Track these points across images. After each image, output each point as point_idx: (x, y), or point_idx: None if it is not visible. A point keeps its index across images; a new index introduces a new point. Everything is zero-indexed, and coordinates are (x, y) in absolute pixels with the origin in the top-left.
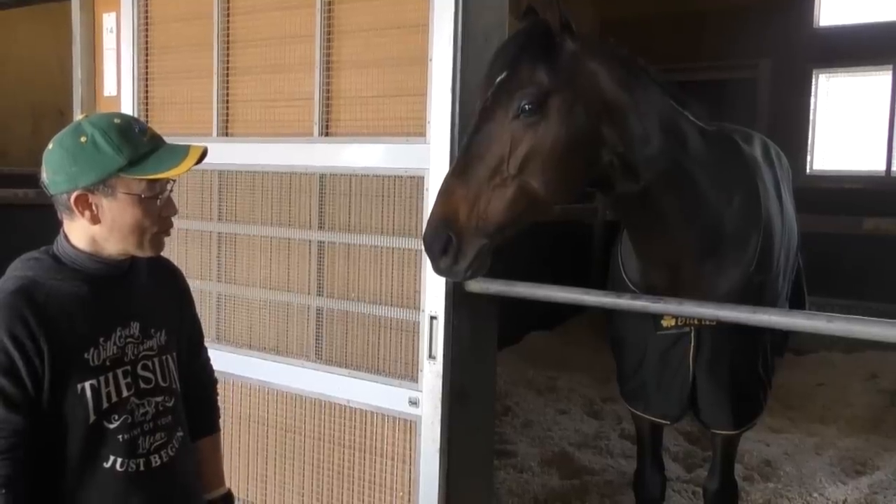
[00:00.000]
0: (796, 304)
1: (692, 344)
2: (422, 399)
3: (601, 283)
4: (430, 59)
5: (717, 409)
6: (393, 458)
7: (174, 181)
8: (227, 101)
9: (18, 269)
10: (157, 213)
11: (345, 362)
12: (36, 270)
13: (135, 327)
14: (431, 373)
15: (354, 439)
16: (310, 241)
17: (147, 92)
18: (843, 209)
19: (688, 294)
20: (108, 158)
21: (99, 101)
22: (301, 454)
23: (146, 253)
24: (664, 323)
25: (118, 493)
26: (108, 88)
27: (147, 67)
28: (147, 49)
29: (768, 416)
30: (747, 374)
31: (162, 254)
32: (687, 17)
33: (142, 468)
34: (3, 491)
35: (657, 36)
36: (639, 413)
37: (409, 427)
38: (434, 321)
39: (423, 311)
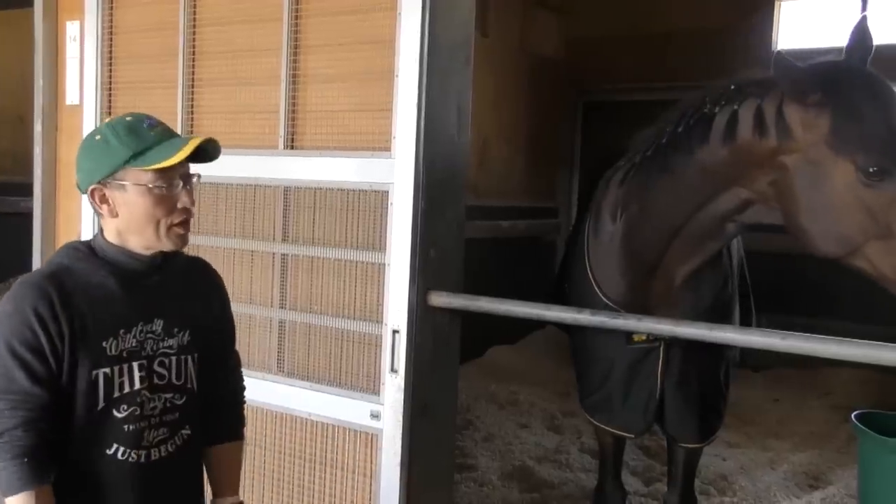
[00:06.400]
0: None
1: (661, 358)
2: (383, 412)
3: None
4: (397, 75)
5: (685, 422)
6: (354, 472)
7: (198, 175)
8: (192, 113)
9: (57, 255)
10: (170, 204)
11: (307, 375)
12: (71, 259)
13: (158, 324)
14: (393, 386)
15: (315, 453)
16: (273, 254)
17: (110, 101)
18: None
19: (676, 309)
20: (115, 152)
21: (61, 110)
22: (261, 467)
23: (166, 246)
24: (635, 337)
25: (116, 481)
26: (71, 97)
27: (111, 76)
28: (111, 58)
29: (725, 431)
30: (713, 388)
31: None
32: (651, 38)
33: (142, 460)
34: (26, 460)
35: (622, 55)
36: (602, 426)
37: (370, 440)
38: (396, 335)
39: (385, 324)
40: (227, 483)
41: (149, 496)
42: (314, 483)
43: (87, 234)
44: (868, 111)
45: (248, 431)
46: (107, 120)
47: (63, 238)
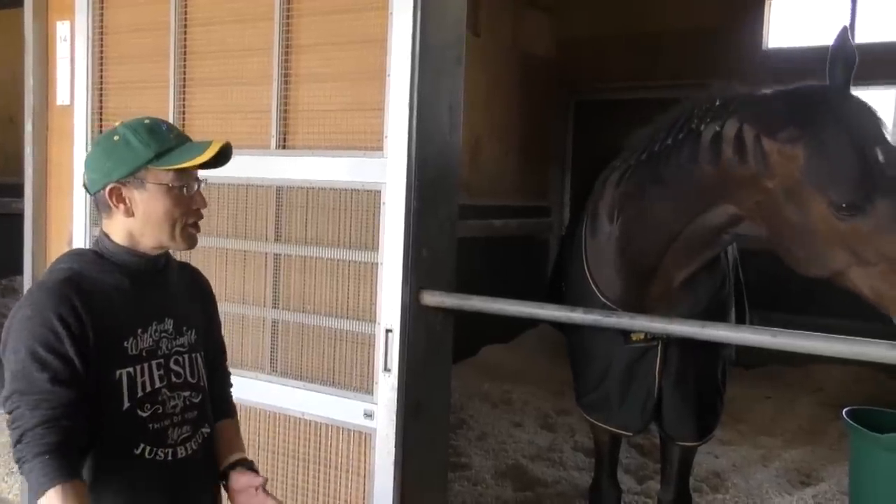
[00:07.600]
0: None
1: (659, 357)
2: (377, 412)
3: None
4: (388, 74)
5: (684, 421)
6: (348, 471)
7: (204, 180)
8: (184, 113)
9: (64, 261)
10: (186, 204)
11: (300, 375)
12: (80, 263)
13: (169, 323)
14: (386, 385)
15: (309, 452)
16: (266, 254)
17: (101, 102)
18: None
19: (674, 310)
20: (137, 152)
21: (51, 110)
22: None
23: (179, 245)
24: (633, 337)
25: (143, 480)
26: (61, 98)
27: (101, 77)
28: (102, 58)
29: (717, 429)
30: (710, 386)
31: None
32: (642, 38)
33: (168, 458)
34: (48, 457)
35: (613, 55)
36: (599, 424)
37: (363, 440)
38: (389, 334)
39: (378, 323)
40: (235, 444)
41: (178, 494)
42: (308, 483)
43: (78, 234)
44: (840, 146)
45: (242, 431)
46: (118, 123)
47: (54, 238)
